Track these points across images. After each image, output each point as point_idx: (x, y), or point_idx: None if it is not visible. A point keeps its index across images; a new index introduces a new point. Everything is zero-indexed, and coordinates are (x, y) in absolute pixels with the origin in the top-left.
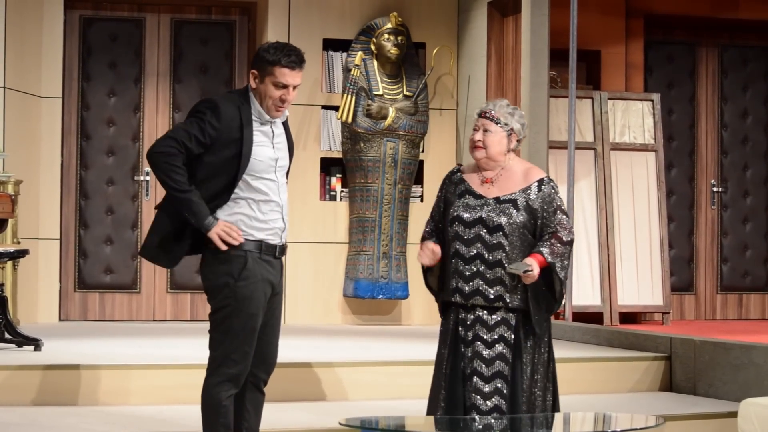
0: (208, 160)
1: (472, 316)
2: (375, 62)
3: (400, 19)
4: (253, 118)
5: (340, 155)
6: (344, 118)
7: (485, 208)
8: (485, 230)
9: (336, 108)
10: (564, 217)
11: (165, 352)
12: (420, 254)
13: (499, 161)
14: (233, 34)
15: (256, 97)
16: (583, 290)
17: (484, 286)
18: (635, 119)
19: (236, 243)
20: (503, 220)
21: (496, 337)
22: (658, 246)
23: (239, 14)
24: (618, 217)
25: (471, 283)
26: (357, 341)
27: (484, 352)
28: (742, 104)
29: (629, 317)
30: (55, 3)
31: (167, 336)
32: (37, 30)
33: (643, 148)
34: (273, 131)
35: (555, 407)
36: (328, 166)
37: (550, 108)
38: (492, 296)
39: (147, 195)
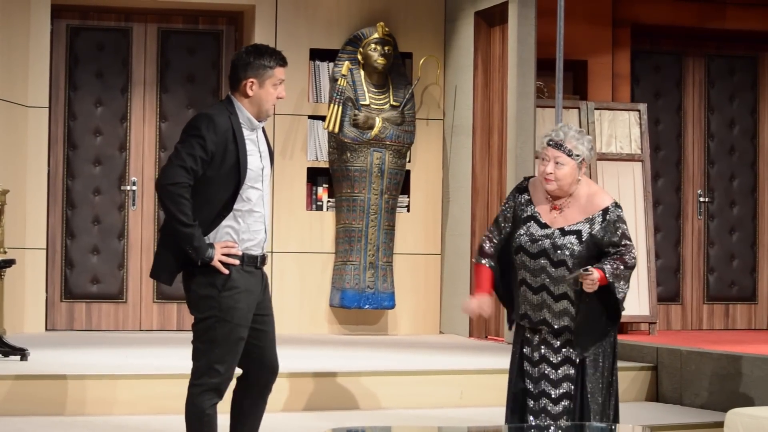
0: (210, 174)
1: (537, 338)
2: (362, 72)
3: (387, 29)
4: (243, 126)
5: (326, 165)
6: (331, 128)
7: (549, 240)
8: (549, 263)
9: (323, 118)
10: (629, 243)
11: (151, 362)
12: (466, 304)
13: (571, 190)
14: (220, 43)
15: (252, 105)
16: None
17: (550, 317)
18: (622, 129)
19: (237, 262)
20: (566, 254)
21: (561, 358)
22: (645, 256)
23: (226, 24)
24: None
25: (539, 313)
26: (343, 351)
27: (552, 374)
28: (728, 114)
29: None
30: (42, 12)
31: (154, 346)
32: (24, 39)
33: (630, 158)
34: (258, 138)
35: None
36: (314, 176)
37: (536, 118)
38: (557, 327)
39: (134, 205)
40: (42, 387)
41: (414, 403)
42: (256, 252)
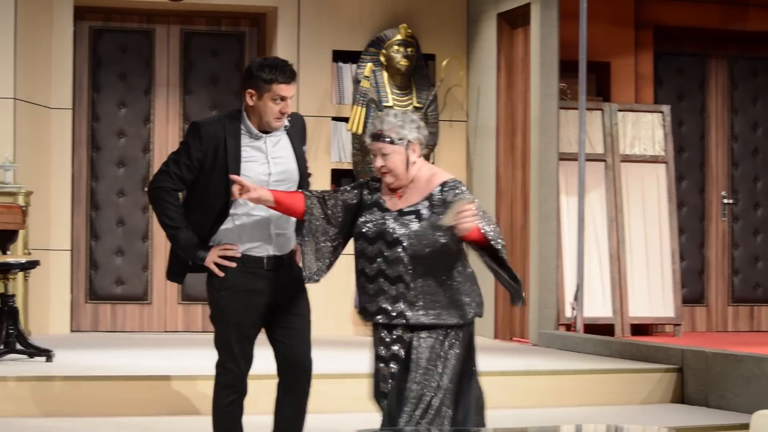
0: (202, 181)
1: (377, 335)
2: (385, 74)
3: (409, 31)
4: (242, 134)
5: (350, 166)
6: (354, 129)
7: (387, 221)
8: (385, 245)
9: (346, 119)
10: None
11: (176, 363)
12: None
13: (409, 177)
14: (243, 45)
15: (254, 114)
16: (595, 302)
17: (386, 303)
18: (645, 131)
19: (232, 264)
20: (402, 232)
21: (392, 353)
22: (669, 258)
23: (249, 26)
24: (629, 229)
25: (374, 302)
26: (368, 353)
27: (383, 370)
28: (752, 116)
29: (641, 329)
30: (64, 14)
31: (178, 347)
32: (47, 41)
33: (654, 159)
34: (267, 146)
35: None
36: (338, 177)
37: (560, 120)
38: (394, 314)
39: None
40: (67, 388)
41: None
42: (261, 254)
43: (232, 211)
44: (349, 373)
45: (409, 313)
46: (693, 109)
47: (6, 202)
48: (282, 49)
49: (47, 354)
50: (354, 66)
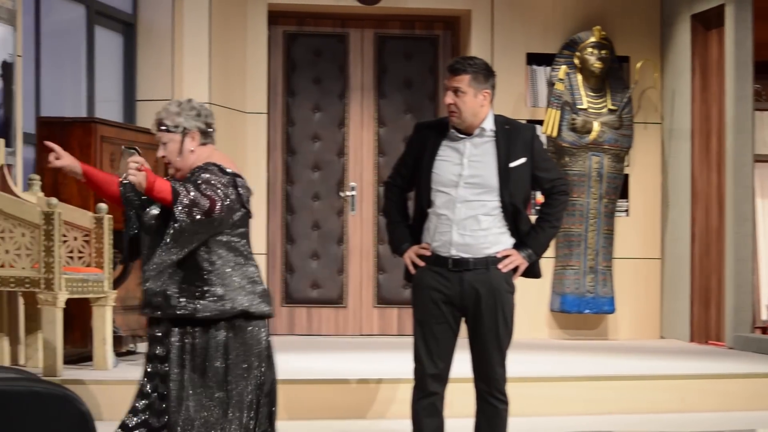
0: (417, 177)
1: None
2: (579, 76)
3: (603, 33)
4: (447, 134)
5: None
6: (549, 131)
7: (154, 211)
8: (147, 234)
9: (540, 122)
10: (213, 193)
11: (371, 366)
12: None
13: (186, 165)
14: (437, 48)
15: None
16: None
17: (147, 295)
18: None
19: (421, 263)
20: (152, 216)
21: (154, 352)
22: None
23: (443, 29)
24: None
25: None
26: (564, 356)
27: (148, 368)
28: None
29: None
30: (258, 19)
31: (374, 350)
32: (241, 46)
33: None
34: (466, 148)
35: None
36: None
37: (755, 121)
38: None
39: (353, 210)
40: None
41: (635, 408)
42: (444, 253)
43: (429, 209)
44: (548, 377)
45: (165, 306)
46: None
47: None
48: (476, 53)
49: None
50: (548, 69)
